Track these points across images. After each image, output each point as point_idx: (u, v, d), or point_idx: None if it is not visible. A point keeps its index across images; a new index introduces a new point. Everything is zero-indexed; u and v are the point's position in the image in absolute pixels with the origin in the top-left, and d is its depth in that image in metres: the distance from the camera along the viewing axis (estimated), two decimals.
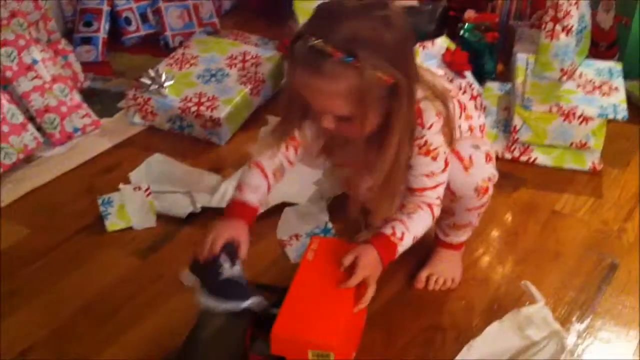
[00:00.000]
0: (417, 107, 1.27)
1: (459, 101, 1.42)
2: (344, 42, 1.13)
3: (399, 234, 1.33)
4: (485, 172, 1.41)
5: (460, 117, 1.41)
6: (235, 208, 1.36)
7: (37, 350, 1.45)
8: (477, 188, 1.40)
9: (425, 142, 1.30)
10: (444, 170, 1.34)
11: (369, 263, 1.30)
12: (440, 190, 1.36)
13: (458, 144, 1.39)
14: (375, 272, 1.31)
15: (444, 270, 1.57)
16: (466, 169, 1.39)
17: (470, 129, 1.47)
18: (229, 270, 1.28)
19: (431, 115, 1.28)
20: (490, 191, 1.44)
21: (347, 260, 1.31)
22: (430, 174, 1.33)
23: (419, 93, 1.28)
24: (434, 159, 1.31)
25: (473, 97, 2.01)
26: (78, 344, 1.46)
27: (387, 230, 1.34)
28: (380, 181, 1.30)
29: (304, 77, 1.19)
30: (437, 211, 1.38)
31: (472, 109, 1.50)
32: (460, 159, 1.38)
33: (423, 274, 1.58)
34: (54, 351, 1.45)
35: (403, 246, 1.34)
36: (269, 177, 1.38)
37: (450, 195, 1.42)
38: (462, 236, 1.55)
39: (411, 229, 1.34)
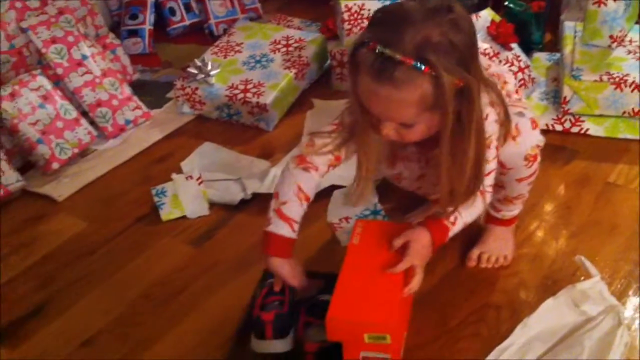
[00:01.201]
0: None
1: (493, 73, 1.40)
2: (415, 49, 1.10)
3: (452, 219, 1.33)
4: (533, 139, 1.39)
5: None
6: (278, 243, 1.35)
7: (102, 336, 1.51)
8: (527, 156, 1.38)
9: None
10: (495, 157, 1.33)
11: (420, 249, 1.31)
12: (492, 179, 1.35)
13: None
14: (425, 258, 1.32)
15: (496, 247, 1.56)
16: (514, 138, 1.36)
17: (508, 95, 1.43)
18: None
19: (485, 105, 1.26)
20: (539, 158, 1.41)
21: (398, 242, 1.31)
22: (486, 160, 1.30)
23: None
24: (488, 147, 1.29)
25: (520, 70, 2.00)
26: (140, 330, 1.51)
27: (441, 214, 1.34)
28: (462, 187, 1.28)
29: (371, 86, 1.16)
30: (488, 198, 1.37)
31: (507, 73, 1.47)
32: (506, 132, 1.35)
33: (475, 252, 1.57)
34: (117, 337, 1.50)
35: (454, 231, 1.34)
36: (308, 198, 1.38)
37: (501, 167, 1.40)
38: (513, 210, 1.54)
39: (464, 214, 1.34)
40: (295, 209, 1.35)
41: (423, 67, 1.11)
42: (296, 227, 1.36)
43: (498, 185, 1.45)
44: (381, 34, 1.13)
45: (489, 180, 1.35)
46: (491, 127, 1.28)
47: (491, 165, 1.33)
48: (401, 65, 1.11)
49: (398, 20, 1.13)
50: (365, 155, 1.34)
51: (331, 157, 1.39)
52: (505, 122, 1.30)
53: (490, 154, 1.31)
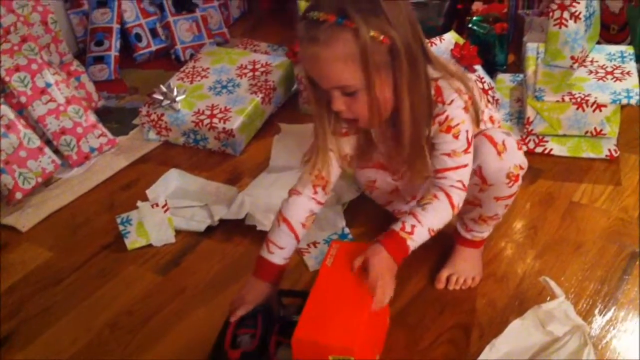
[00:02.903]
0: (436, 84, 1.28)
1: (478, 89, 1.42)
2: (337, 6, 1.14)
3: (408, 228, 1.31)
4: (517, 159, 1.40)
5: (480, 100, 1.41)
6: (263, 268, 1.42)
7: None
8: (509, 174, 1.39)
9: (447, 117, 1.29)
10: (466, 151, 1.32)
11: (379, 262, 1.29)
12: (463, 173, 1.33)
13: (490, 130, 1.40)
14: (387, 270, 1.30)
15: (465, 269, 1.56)
16: (499, 153, 1.37)
17: (491, 119, 1.46)
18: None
19: (450, 92, 1.28)
20: (520, 180, 1.42)
21: (357, 263, 1.30)
22: (452, 153, 1.31)
23: (434, 73, 1.28)
24: (456, 136, 1.30)
25: (484, 91, 2.01)
26: (108, 359, 1.48)
27: (397, 226, 1.32)
28: (406, 153, 1.30)
29: (304, 52, 1.20)
30: (457, 198, 1.34)
31: (491, 105, 1.51)
32: (494, 143, 1.37)
33: (443, 274, 1.57)
34: None
35: (415, 240, 1.31)
36: (297, 231, 1.41)
37: (481, 183, 1.41)
38: (484, 231, 1.54)
39: (424, 221, 1.31)
40: (272, 230, 1.42)
41: (344, 21, 1.14)
42: (272, 248, 1.40)
43: (474, 204, 1.46)
44: (312, 3, 1.18)
45: (458, 176, 1.33)
46: (456, 112, 1.28)
47: (462, 159, 1.32)
48: (324, 24, 1.14)
49: None
50: (321, 128, 1.35)
51: (312, 177, 1.40)
52: (466, 106, 1.30)
53: (460, 145, 1.31)
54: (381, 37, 1.16)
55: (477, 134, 1.39)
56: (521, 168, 1.41)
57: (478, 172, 1.39)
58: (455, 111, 1.28)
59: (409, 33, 1.20)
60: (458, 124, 1.29)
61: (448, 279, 1.57)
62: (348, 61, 1.17)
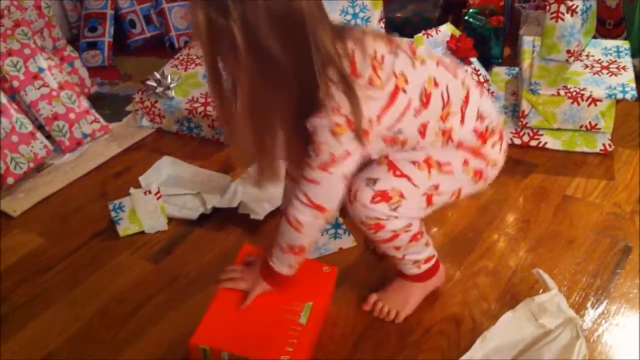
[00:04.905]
0: (329, 91, 1.16)
1: (444, 94, 1.29)
2: None
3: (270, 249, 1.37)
4: (366, 213, 1.31)
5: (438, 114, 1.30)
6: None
7: (58, 354, 1.46)
8: (362, 222, 1.33)
9: (314, 129, 1.20)
10: (323, 169, 1.23)
11: (249, 275, 1.40)
12: (310, 187, 1.25)
13: (362, 174, 1.30)
14: (251, 283, 1.39)
15: (392, 300, 1.48)
16: (350, 201, 1.31)
17: (446, 134, 1.31)
18: None
19: (330, 106, 1.17)
20: (388, 228, 1.33)
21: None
22: (307, 164, 1.24)
23: (336, 77, 1.17)
24: (316, 153, 1.22)
25: (480, 84, 2.01)
26: (97, 348, 1.47)
27: None
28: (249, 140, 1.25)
29: None
30: (291, 211, 1.28)
31: (471, 114, 1.33)
32: (348, 190, 1.30)
33: (372, 297, 1.50)
34: (74, 355, 1.46)
35: (274, 261, 1.36)
36: None
37: None
38: (409, 270, 1.45)
39: (276, 239, 1.34)
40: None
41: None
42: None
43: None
44: None
45: (305, 187, 1.26)
46: (321, 130, 1.20)
47: (313, 174, 1.24)
48: None
49: None
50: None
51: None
52: (350, 135, 1.21)
53: (316, 162, 1.23)
54: (221, 22, 1.11)
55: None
56: (379, 219, 1.31)
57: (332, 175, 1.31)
58: (320, 129, 1.20)
59: (262, 28, 1.11)
60: (320, 143, 1.21)
61: (375, 304, 1.49)
62: (199, 33, 1.14)
